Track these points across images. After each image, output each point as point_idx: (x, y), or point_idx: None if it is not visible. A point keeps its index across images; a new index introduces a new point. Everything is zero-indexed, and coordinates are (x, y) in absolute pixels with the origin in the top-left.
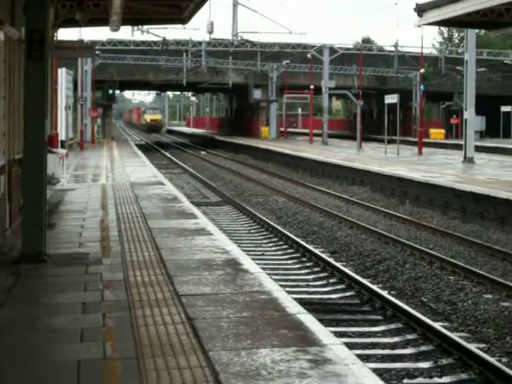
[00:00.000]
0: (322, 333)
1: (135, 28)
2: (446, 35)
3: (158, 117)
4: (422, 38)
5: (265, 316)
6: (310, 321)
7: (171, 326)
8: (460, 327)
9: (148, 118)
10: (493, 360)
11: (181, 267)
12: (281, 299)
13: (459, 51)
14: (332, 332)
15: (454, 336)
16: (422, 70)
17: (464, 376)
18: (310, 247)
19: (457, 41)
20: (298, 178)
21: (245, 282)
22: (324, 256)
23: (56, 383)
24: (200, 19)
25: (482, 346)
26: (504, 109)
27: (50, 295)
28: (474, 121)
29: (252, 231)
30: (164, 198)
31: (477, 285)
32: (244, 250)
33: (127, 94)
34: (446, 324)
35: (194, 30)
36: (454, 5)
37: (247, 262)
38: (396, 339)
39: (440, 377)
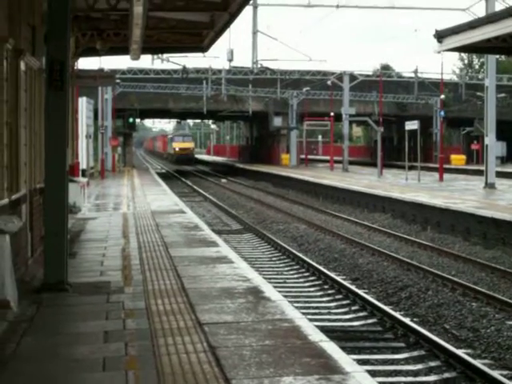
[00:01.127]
0: (345, 360)
1: (155, 56)
2: (466, 61)
3: (190, 145)
4: (442, 64)
5: (287, 344)
6: (332, 348)
7: (193, 354)
8: (483, 354)
9: (177, 146)
10: None
11: (202, 295)
12: (303, 327)
13: (479, 77)
14: (354, 359)
15: (477, 363)
16: (443, 96)
17: None
18: (332, 274)
19: (477, 66)
20: (318, 205)
21: (267, 310)
22: (346, 283)
23: None
24: (220, 47)
25: (505, 372)
26: None
27: (71, 324)
28: (494, 146)
29: (273, 259)
30: (185, 226)
31: (500, 311)
32: (265, 278)
33: (147, 122)
34: (469, 351)
35: (214, 58)
36: (473, 31)
37: (269, 290)
38: (419, 366)
39: None
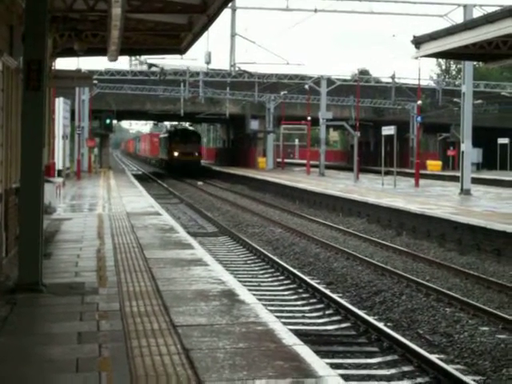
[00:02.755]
0: (318, 364)
1: (133, 58)
2: (443, 67)
3: (196, 149)
4: (420, 70)
5: (261, 347)
6: (305, 352)
7: (167, 356)
8: (456, 359)
9: (177, 150)
10: None
11: (177, 298)
12: (277, 330)
13: (456, 83)
14: (328, 363)
15: (450, 368)
16: (420, 102)
17: None
18: (307, 278)
19: (454, 73)
20: (294, 208)
21: (241, 313)
22: (320, 287)
23: None
24: (198, 50)
25: (478, 378)
26: (501, 141)
27: (45, 325)
28: (470, 153)
29: (248, 262)
30: (160, 228)
31: (473, 317)
32: (240, 281)
33: (124, 123)
34: (442, 356)
35: (192, 61)
36: (451, 37)
37: (243, 293)
38: (392, 371)
39: None
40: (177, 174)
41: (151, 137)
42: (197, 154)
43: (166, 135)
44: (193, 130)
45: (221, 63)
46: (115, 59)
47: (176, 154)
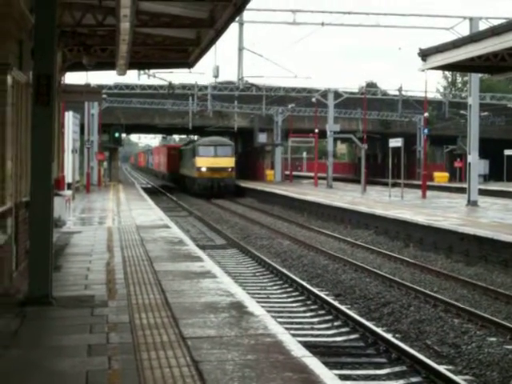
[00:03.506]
0: (327, 376)
1: (141, 72)
2: (449, 79)
3: (229, 162)
4: (426, 83)
5: (270, 359)
6: (314, 364)
7: (176, 368)
8: (464, 370)
9: (204, 164)
10: None
11: (186, 310)
12: (285, 342)
13: (463, 95)
14: (336, 375)
15: (459, 379)
16: (426, 114)
17: None
18: (315, 290)
19: (460, 85)
20: (302, 221)
21: (250, 325)
22: (329, 299)
23: None
24: (206, 63)
25: None
26: (507, 152)
27: (55, 337)
28: (477, 164)
29: (257, 274)
30: (170, 241)
31: (481, 328)
32: (249, 293)
33: (133, 137)
34: (450, 367)
35: (200, 74)
36: (457, 50)
37: (252, 305)
38: (400, 382)
39: None
40: (205, 192)
41: (168, 149)
42: (230, 169)
43: (189, 146)
44: (225, 140)
45: (229, 77)
46: (124, 73)
47: (203, 169)
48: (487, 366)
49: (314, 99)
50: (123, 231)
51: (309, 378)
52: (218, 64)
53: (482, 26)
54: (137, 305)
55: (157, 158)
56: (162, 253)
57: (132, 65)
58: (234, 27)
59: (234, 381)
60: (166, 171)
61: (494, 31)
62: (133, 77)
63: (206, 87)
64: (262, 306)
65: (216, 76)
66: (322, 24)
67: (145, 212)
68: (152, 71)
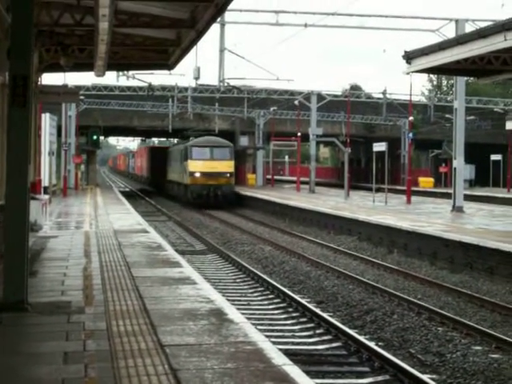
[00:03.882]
0: None
1: (120, 73)
2: (435, 83)
3: (228, 167)
4: (411, 86)
5: (250, 367)
6: (295, 372)
7: (154, 377)
8: (449, 379)
9: (198, 169)
10: None
11: (165, 317)
12: (266, 350)
13: (448, 99)
14: None
15: None
16: (411, 118)
17: None
18: (297, 297)
19: (446, 88)
20: (284, 226)
21: (229, 333)
22: (310, 306)
23: None
24: (186, 65)
25: None
26: (494, 157)
27: (30, 344)
28: (463, 169)
29: (237, 280)
30: (148, 246)
31: (466, 336)
32: (229, 300)
33: (112, 140)
34: (434, 376)
35: (180, 76)
36: (443, 52)
37: (232, 312)
38: None
39: None
40: (199, 201)
41: (152, 151)
42: (229, 175)
43: (179, 147)
44: (223, 140)
45: (210, 79)
46: (102, 74)
47: (197, 174)
48: (472, 375)
49: (296, 102)
50: (101, 236)
51: None
52: (199, 65)
53: (469, 28)
54: (114, 311)
55: (139, 160)
56: (141, 258)
57: (111, 66)
58: (215, 28)
59: None
60: (149, 176)
61: (481, 34)
62: (111, 78)
63: (186, 89)
64: (243, 313)
65: (197, 78)
66: (305, 25)
67: (123, 216)
68: (131, 72)
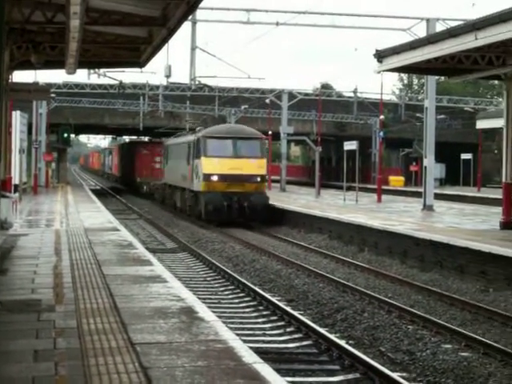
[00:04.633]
0: (279, 382)
1: (91, 71)
2: (405, 81)
3: (259, 168)
4: (382, 85)
5: (220, 365)
6: (266, 370)
7: (125, 375)
8: (418, 377)
9: (218, 169)
10: None
11: (135, 315)
12: (237, 348)
13: (419, 98)
14: (289, 382)
15: None
16: (382, 117)
17: None
18: (267, 295)
19: (416, 87)
20: (255, 225)
21: (200, 331)
22: (281, 304)
23: None
24: (158, 63)
25: None
26: (464, 156)
27: (0, 342)
28: (433, 168)
29: (208, 279)
30: (119, 244)
31: (436, 334)
32: (200, 298)
33: (82, 138)
34: (404, 374)
35: (152, 74)
36: (414, 51)
37: (203, 310)
38: None
39: None
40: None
41: (139, 146)
42: (260, 179)
43: (184, 139)
44: (251, 130)
45: (181, 77)
46: (73, 72)
47: (214, 177)
48: (442, 373)
49: (267, 100)
50: (71, 234)
51: None
52: (171, 63)
53: (440, 27)
54: (85, 309)
55: (116, 159)
56: (111, 256)
57: (82, 63)
58: (186, 26)
59: None
60: (137, 178)
61: (451, 33)
62: (83, 76)
63: (157, 87)
64: (213, 312)
65: (168, 76)
66: (277, 24)
67: (93, 214)
68: (102, 70)
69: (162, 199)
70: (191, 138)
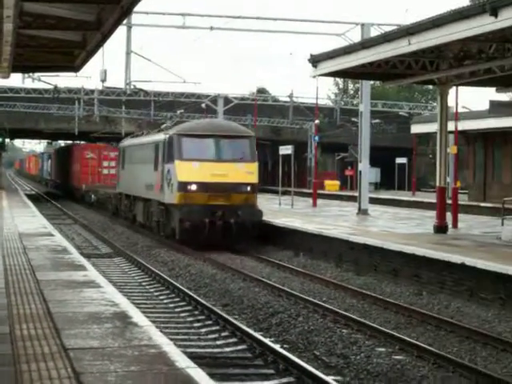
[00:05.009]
0: None
1: (26, 75)
2: (341, 86)
3: (249, 174)
4: (317, 89)
5: (153, 370)
6: (199, 375)
7: (57, 380)
8: (353, 381)
9: (196, 177)
10: None
11: (69, 320)
12: (170, 353)
13: (354, 102)
14: None
15: None
16: (317, 121)
17: None
18: (202, 300)
19: (352, 92)
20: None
21: (134, 336)
22: (216, 309)
23: None
24: (93, 67)
25: None
26: (399, 160)
27: None
28: (368, 172)
29: (143, 284)
30: (53, 250)
31: (370, 338)
32: (134, 303)
33: (17, 142)
34: (338, 378)
35: (87, 78)
36: (348, 56)
37: (137, 315)
38: None
39: None
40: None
41: (83, 149)
42: (250, 188)
43: (151, 139)
44: (237, 127)
45: (116, 81)
46: (7, 76)
47: (192, 187)
48: (375, 376)
49: (203, 105)
50: (5, 239)
51: None
52: (106, 68)
53: (374, 32)
54: (18, 315)
55: (56, 163)
56: (45, 261)
57: (16, 67)
58: (121, 30)
59: None
60: (82, 185)
61: (386, 38)
62: (17, 80)
63: (92, 91)
64: (148, 317)
65: (103, 80)
66: (211, 28)
67: (28, 219)
68: (37, 74)
69: (116, 211)
70: (160, 136)
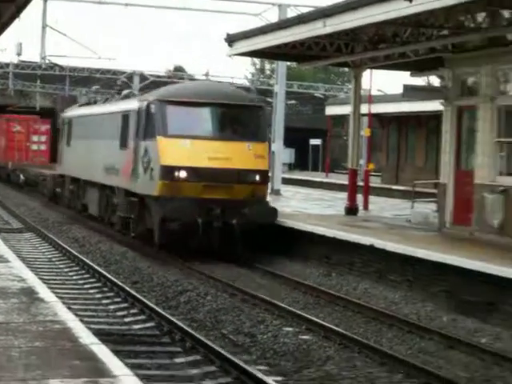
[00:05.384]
0: (115, 364)
1: None
2: (258, 66)
3: (258, 157)
4: (233, 69)
5: (57, 346)
6: (103, 352)
7: None
8: (259, 360)
9: (186, 160)
10: None
11: None
12: (75, 329)
13: (271, 83)
14: (129, 364)
15: (252, 369)
16: None
17: None
18: (112, 277)
19: (268, 72)
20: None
21: (39, 311)
22: (125, 286)
23: None
24: (8, 40)
25: (279, 378)
26: (313, 142)
27: None
28: (282, 153)
29: (53, 259)
30: None
31: (277, 317)
32: (42, 279)
33: None
34: (245, 357)
35: (1, 51)
36: (264, 36)
37: (44, 291)
38: (194, 371)
39: None
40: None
41: (6, 121)
42: (258, 177)
43: (116, 107)
44: (241, 93)
45: (32, 55)
46: None
47: (181, 174)
48: (282, 355)
49: (119, 81)
50: None
51: (96, 365)
52: (21, 41)
53: (291, 13)
54: None
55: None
56: None
57: None
58: (37, 3)
59: (18, 369)
60: (8, 163)
61: (301, 19)
62: None
63: (7, 65)
64: (55, 293)
65: (19, 54)
66: (126, 5)
67: None
68: None
69: (54, 196)
70: (131, 104)
